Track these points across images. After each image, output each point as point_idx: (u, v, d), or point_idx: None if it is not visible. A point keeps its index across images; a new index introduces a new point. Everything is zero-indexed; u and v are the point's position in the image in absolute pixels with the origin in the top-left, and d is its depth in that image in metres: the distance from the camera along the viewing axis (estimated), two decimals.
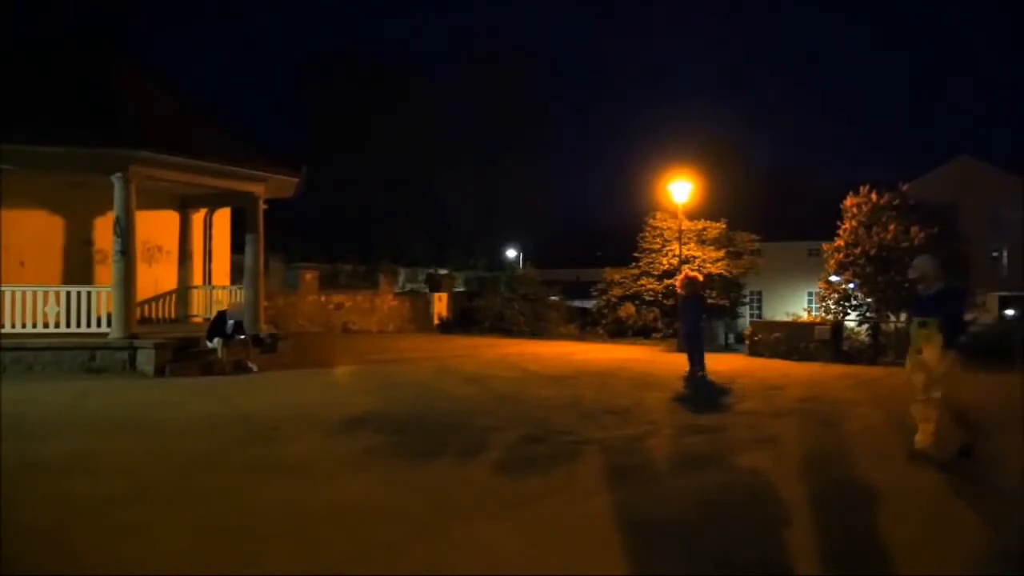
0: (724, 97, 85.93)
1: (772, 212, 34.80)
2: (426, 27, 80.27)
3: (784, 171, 46.29)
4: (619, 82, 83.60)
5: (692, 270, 15.53)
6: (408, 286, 27.57)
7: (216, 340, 12.12)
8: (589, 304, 27.25)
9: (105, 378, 11.08)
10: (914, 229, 17.49)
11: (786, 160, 68.57)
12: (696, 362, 12.05)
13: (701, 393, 10.76)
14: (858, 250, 17.99)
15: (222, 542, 4.27)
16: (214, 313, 15.29)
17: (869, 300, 18.10)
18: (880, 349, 16.49)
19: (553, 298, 27.51)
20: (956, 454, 6.14)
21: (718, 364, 13.59)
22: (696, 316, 12.61)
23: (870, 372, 13.63)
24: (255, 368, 12.15)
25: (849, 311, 18.01)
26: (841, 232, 18.87)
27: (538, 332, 23.57)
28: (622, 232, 29.51)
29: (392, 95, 40.44)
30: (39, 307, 11.92)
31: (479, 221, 43.69)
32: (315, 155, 29.30)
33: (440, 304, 25.95)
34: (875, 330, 17.48)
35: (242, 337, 12.39)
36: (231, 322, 12.37)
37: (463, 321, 24.98)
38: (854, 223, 18.53)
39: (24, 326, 11.78)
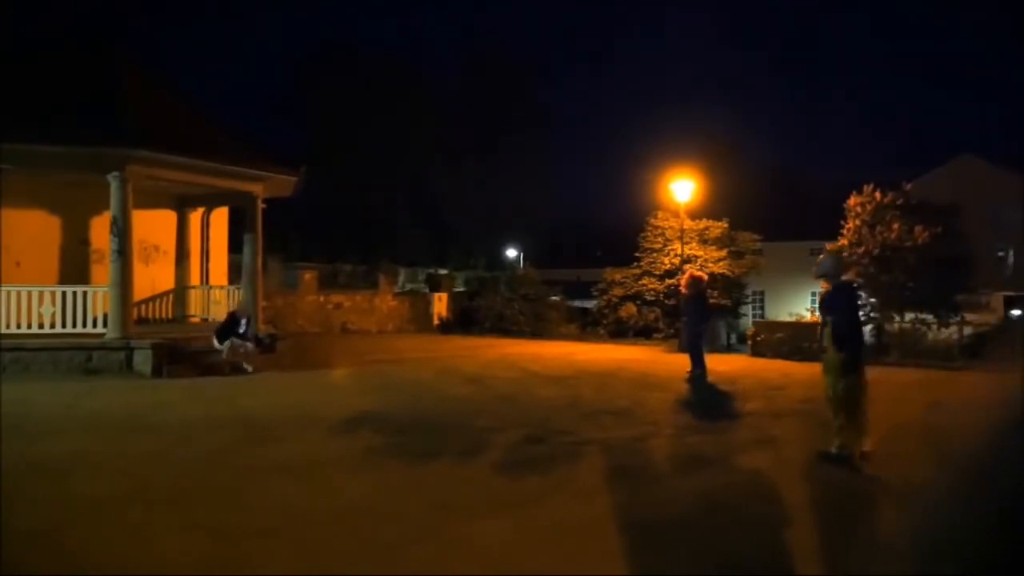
0: (726, 96, 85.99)
1: (774, 211, 34.82)
2: (427, 26, 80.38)
3: (786, 170, 46.24)
4: (620, 81, 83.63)
5: (696, 270, 15.48)
6: (408, 286, 27.58)
7: (227, 343, 12.08)
8: (590, 304, 27.27)
9: (102, 379, 11.08)
10: (918, 228, 17.52)
11: (788, 159, 68.64)
12: (696, 363, 12.07)
13: (702, 394, 10.79)
14: (861, 249, 18.02)
15: (221, 543, 4.29)
16: (211, 313, 15.36)
17: (873, 300, 18.12)
18: (883, 349, 16.51)
19: (554, 298, 27.53)
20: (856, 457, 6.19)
21: (720, 364, 13.61)
22: (698, 316, 12.60)
23: (872, 373, 13.63)
24: (250, 369, 12.10)
25: None
26: (844, 231, 18.90)
27: (538, 332, 23.59)
28: (623, 232, 29.51)
29: (392, 94, 40.44)
30: (35, 307, 11.93)
31: (479, 221, 43.68)
32: (314, 154, 29.34)
33: (440, 304, 25.98)
34: (879, 330, 17.51)
35: (245, 333, 12.44)
36: (243, 320, 12.44)
37: (463, 321, 25.00)
38: (857, 222, 18.57)
39: (20, 326, 11.78)
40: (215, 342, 12.20)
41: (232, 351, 12.11)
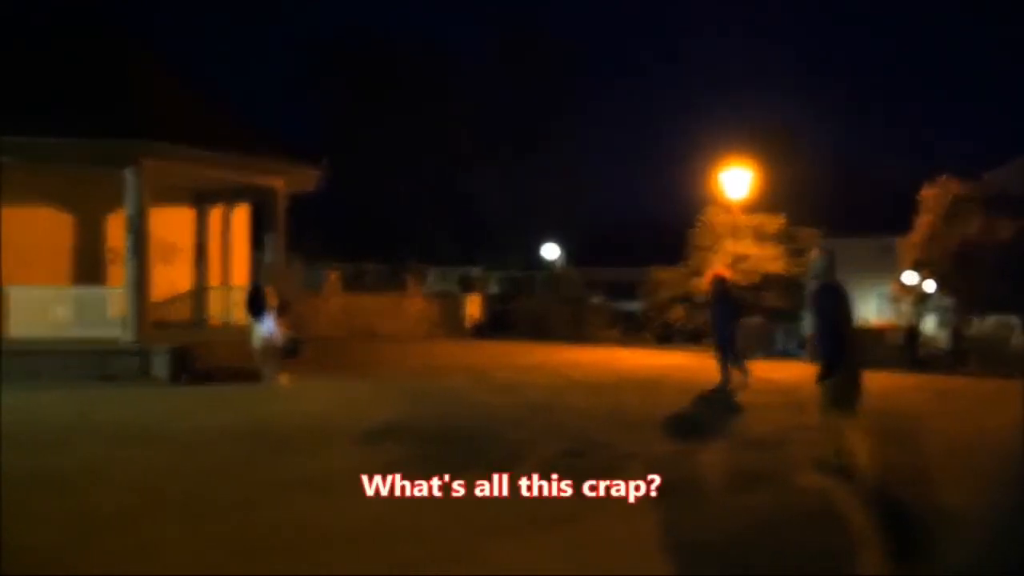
0: (783, 77, 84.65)
1: (838, 205, 34.22)
2: (457, 10, 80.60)
3: (850, 159, 45.40)
4: (667, 67, 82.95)
5: (721, 267, 14.97)
6: (437, 287, 27.75)
7: (267, 322, 11.69)
8: (634, 306, 27.10)
9: (117, 386, 11.30)
10: (1001, 223, 17.09)
11: (851, 147, 67.08)
12: (724, 372, 11.53)
13: (741, 405, 10.59)
14: (936, 246, 17.63)
15: (237, 560, 4.35)
16: (232, 316, 15.46)
17: (949, 301, 17.72)
18: (961, 356, 16.12)
19: (594, 300, 27.44)
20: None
21: (777, 372, 13.42)
22: (723, 320, 11.86)
23: (948, 382, 13.31)
24: (269, 376, 12.12)
25: (926, 314, 17.66)
26: (917, 226, 18.54)
27: (578, 337, 23.51)
28: (671, 228, 29.27)
29: (420, 83, 40.67)
30: (47, 310, 12.21)
31: (514, 217, 43.63)
32: (334, 147, 29.61)
33: (472, 306, 26.07)
34: (956, 335, 17.09)
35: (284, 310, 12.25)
36: (267, 291, 12.03)
37: (497, 324, 25.06)
38: (931, 216, 18.22)
39: (31, 330, 12.07)
40: (253, 325, 11.86)
41: (267, 341, 11.76)
